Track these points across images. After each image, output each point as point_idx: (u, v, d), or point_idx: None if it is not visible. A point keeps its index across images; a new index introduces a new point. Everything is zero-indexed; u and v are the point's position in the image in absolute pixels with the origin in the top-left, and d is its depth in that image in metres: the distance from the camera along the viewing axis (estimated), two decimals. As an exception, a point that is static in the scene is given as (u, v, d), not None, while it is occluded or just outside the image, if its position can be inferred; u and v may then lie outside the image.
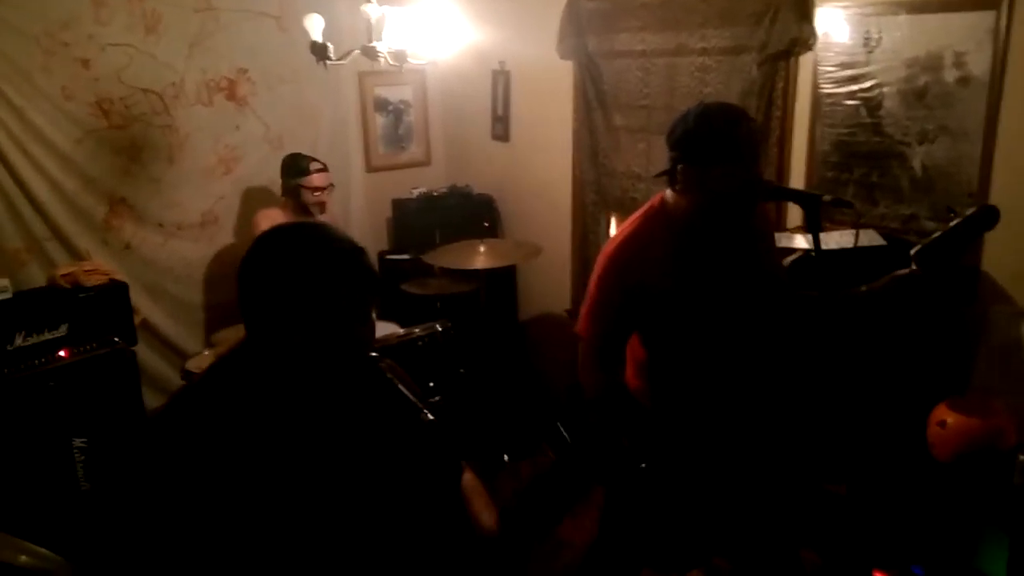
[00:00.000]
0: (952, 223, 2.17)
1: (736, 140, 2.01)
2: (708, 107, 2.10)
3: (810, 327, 2.31)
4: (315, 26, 3.33)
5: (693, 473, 2.26)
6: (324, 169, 4.05)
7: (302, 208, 4.04)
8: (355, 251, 1.46)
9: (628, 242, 2.19)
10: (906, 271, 2.21)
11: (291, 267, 1.41)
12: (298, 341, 1.43)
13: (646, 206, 2.26)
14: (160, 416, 1.51)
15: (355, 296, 1.44)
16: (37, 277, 3.86)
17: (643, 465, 2.25)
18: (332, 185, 4.11)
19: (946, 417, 2.55)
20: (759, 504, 2.35)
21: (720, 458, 2.26)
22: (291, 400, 1.48)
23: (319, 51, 3.36)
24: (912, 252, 2.19)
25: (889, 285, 2.25)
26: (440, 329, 3.83)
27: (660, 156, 3.62)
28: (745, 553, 2.44)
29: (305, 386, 1.49)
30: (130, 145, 4.09)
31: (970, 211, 2.19)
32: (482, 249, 3.83)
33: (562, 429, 2.19)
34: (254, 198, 4.46)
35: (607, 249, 2.23)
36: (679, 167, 2.09)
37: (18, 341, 3.42)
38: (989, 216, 2.20)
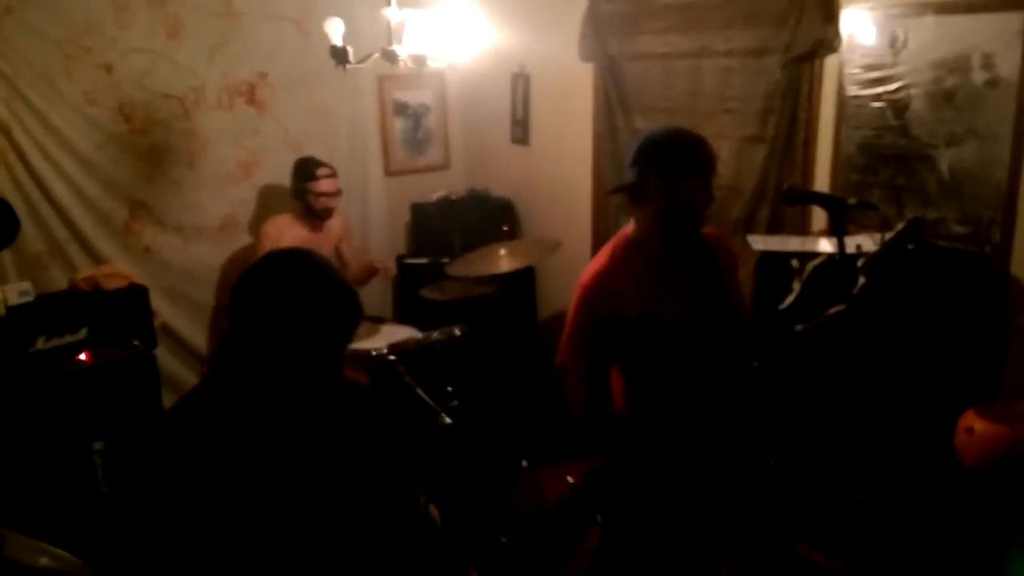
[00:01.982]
0: (887, 236, 2.22)
1: (702, 157, 2.15)
2: (675, 128, 2.24)
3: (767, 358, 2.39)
4: (335, 30, 3.32)
5: (682, 488, 2.29)
6: (333, 175, 4.04)
7: (309, 212, 4.03)
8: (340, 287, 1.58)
9: (601, 272, 2.27)
10: (836, 309, 2.26)
11: (285, 298, 1.53)
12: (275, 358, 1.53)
13: (615, 237, 2.35)
14: (158, 429, 1.63)
15: (335, 325, 1.57)
16: (58, 280, 3.88)
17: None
18: (340, 191, 4.10)
19: (974, 424, 2.51)
20: (751, 509, 2.36)
21: (704, 471, 2.29)
22: (269, 411, 1.56)
23: (339, 55, 3.35)
24: (859, 265, 2.22)
25: (823, 324, 2.31)
26: (459, 333, 3.82)
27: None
28: (742, 556, 2.45)
29: (280, 397, 1.57)
30: (151, 149, 4.11)
31: (899, 225, 2.23)
32: (503, 252, 3.81)
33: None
34: (273, 201, 4.46)
35: (582, 280, 2.31)
36: (648, 180, 2.19)
37: (39, 344, 3.44)
38: (917, 228, 2.25)
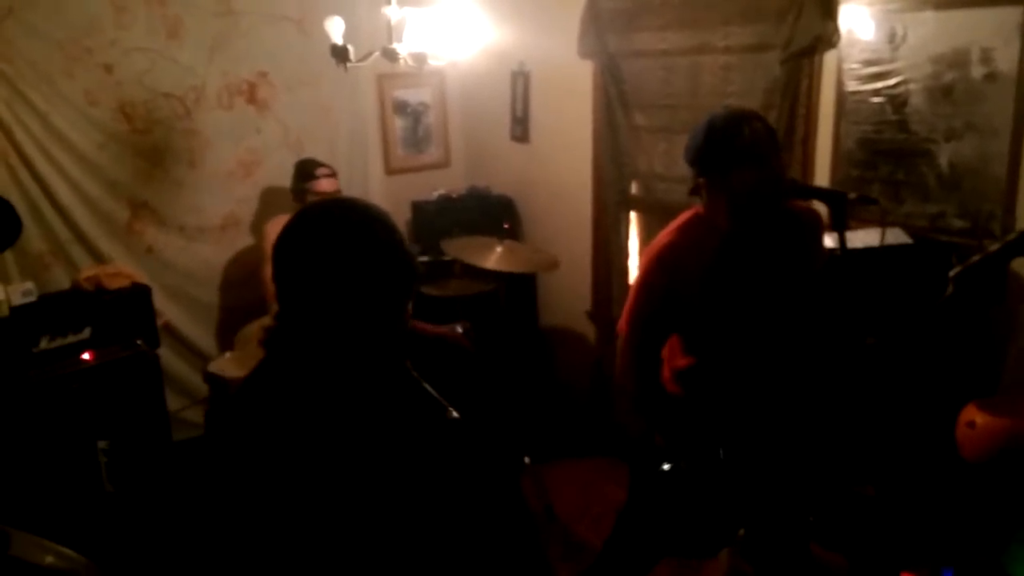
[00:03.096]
0: (993, 247, 2.18)
1: (742, 142, 2.11)
2: (713, 118, 2.20)
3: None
4: (336, 29, 3.33)
5: (721, 469, 2.31)
6: (332, 175, 4.05)
7: None
8: (392, 241, 1.41)
9: (671, 247, 2.28)
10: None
11: (330, 251, 1.35)
12: (332, 328, 1.39)
13: (690, 212, 2.34)
14: (211, 422, 1.55)
15: (391, 284, 1.40)
16: (61, 280, 3.89)
17: (665, 467, 2.33)
18: (339, 191, 4.11)
19: (975, 417, 2.52)
20: (778, 497, 2.39)
21: (749, 455, 2.31)
22: (330, 395, 1.46)
23: (339, 54, 3.35)
24: (951, 274, 2.20)
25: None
26: (460, 330, 3.82)
27: (681, 155, 3.61)
28: (758, 543, 2.47)
29: (342, 378, 1.46)
30: (152, 149, 4.12)
31: (1011, 236, 2.20)
32: (499, 249, 3.81)
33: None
34: (274, 201, 4.47)
35: (650, 251, 2.31)
36: (700, 181, 2.22)
37: (43, 344, 3.45)
38: None
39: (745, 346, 2.29)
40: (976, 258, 2.19)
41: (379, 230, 1.40)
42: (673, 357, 2.43)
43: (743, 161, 2.12)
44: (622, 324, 2.37)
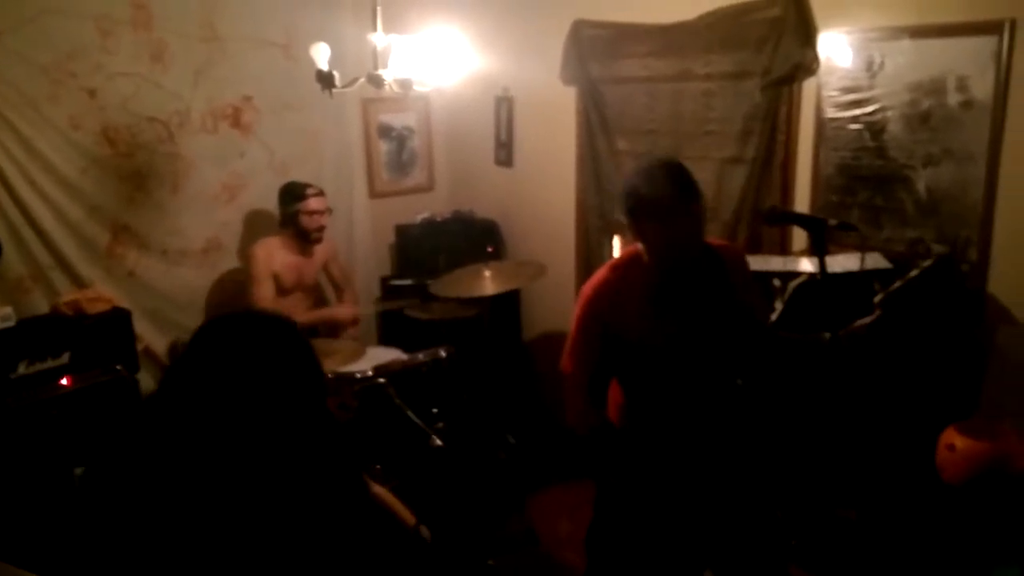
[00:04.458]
0: (912, 273, 2.23)
1: (669, 203, 2.17)
2: (644, 169, 2.26)
3: (792, 367, 2.41)
4: (321, 55, 3.34)
5: (674, 500, 2.34)
6: (320, 193, 4.07)
7: (301, 235, 4.04)
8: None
9: (604, 285, 2.32)
10: (869, 319, 2.29)
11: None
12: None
13: (625, 251, 2.40)
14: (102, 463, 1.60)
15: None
16: (40, 305, 3.85)
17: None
18: (330, 209, 4.12)
19: (955, 440, 2.53)
20: (741, 526, 2.41)
21: (697, 485, 2.34)
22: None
23: (325, 79, 3.36)
24: (876, 300, 2.25)
25: (858, 333, 2.35)
26: (444, 354, 3.81)
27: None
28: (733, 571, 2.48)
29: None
30: (135, 173, 4.10)
31: (927, 263, 2.25)
32: (487, 273, 3.81)
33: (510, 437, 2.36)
34: (258, 224, 4.46)
35: (585, 291, 2.36)
36: (631, 223, 2.28)
37: (21, 369, 3.41)
38: (947, 267, 2.26)
39: (677, 381, 2.32)
40: (898, 284, 2.24)
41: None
42: (616, 392, 2.45)
43: (658, 217, 2.18)
44: (564, 364, 2.39)
